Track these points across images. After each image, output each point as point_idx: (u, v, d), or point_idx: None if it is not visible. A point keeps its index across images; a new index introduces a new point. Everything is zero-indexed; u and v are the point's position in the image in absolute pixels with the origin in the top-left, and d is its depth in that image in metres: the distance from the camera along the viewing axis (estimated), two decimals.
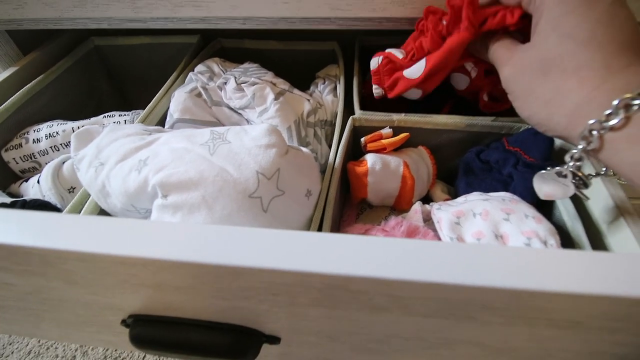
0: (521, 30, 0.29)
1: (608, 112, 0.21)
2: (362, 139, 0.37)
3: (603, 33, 0.23)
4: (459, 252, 0.17)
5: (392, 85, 0.37)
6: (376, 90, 0.38)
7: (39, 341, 0.76)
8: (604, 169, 0.27)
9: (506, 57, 0.28)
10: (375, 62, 0.37)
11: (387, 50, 0.37)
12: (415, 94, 0.37)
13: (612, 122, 0.21)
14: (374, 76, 0.38)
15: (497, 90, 0.36)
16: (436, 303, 0.19)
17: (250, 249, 0.18)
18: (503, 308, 0.18)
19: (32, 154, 0.42)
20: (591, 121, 0.21)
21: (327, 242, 0.18)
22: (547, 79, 0.24)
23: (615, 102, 0.21)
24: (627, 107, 0.20)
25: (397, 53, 0.36)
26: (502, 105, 0.38)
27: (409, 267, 0.17)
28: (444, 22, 0.32)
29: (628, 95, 0.20)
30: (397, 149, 0.38)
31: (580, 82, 0.23)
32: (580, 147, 0.23)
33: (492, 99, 0.38)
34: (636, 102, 0.20)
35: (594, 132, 0.21)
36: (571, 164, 0.25)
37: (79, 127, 0.43)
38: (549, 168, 0.27)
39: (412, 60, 0.35)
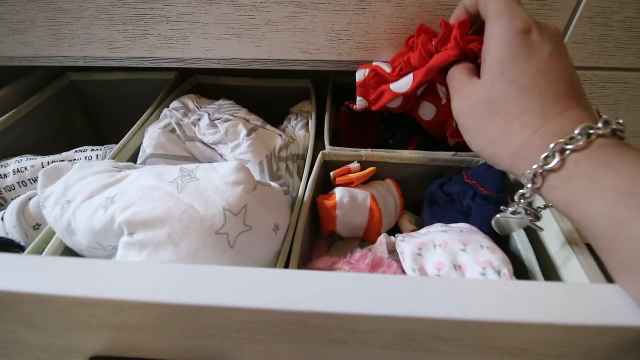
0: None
1: (545, 154, 0.23)
2: (332, 173, 0.38)
3: (542, 82, 0.25)
4: (409, 285, 0.19)
5: (376, 98, 0.38)
6: (360, 102, 0.39)
7: None
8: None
9: (459, 89, 0.30)
10: (361, 74, 0.38)
11: (374, 64, 0.38)
12: (396, 102, 0.38)
13: (550, 165, 0.23)
14: (360, 88, 0.38)
15: None
16: (392, 335, 0.20)
17: (209, 287, 0.19)
18: (454, 338, 0.19)
19: None
20: (534, 166, 0.23)
21: (283, 278, 0.19)
22: (494, 120, 0.26)
23: (551, 146, 0.23)
24: (562, 150, 0.22)
25: (384, 66, 0.38)
26: None
27: (361, 301, 0.18)
28: (433, 43, 0.33)
29: (561, 140, 0.23)
30: (365, 182, 0.40)
31: (522, 126, 0.25)
32: (529, 186, 0.24)
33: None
34: (568, 146, 0.22)
35: (537, 174, 0.23)
36: (522, 201, 0.27)
37: (48, 163, 0.43)
38: (502, 207, 0.29)
39: (399, 75, 0.36)
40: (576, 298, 0.19)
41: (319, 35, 0.39)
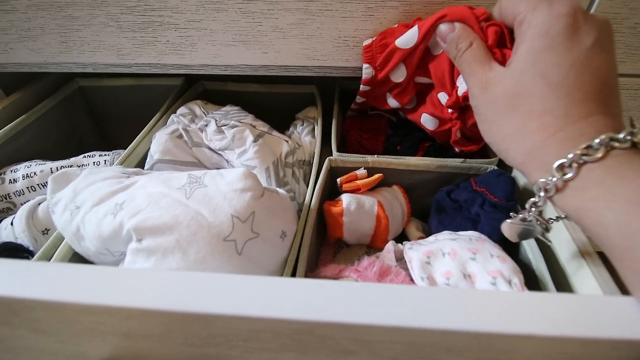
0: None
1: (561, 162, 0.22)
2: (338, 180, 0.38)
3: (573, 79, 0.23)
4: (419, 296, 0.18)
5: (383, 63, 0.37)
6: (366, 70, 0.38)
7: None
8: (564, 214, 0.28)
9: (479, 74, 0.27)
10: (368, 40, 0.37)
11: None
12: (400, 75, 0.38)
13: (567, 176, 0.22)
14: (366, 53, 0.37)
15: (469, 131, 0.38)
16: (402, 346, 0.19)
17: (216, 296, 0.19)
18: (465, 350, 0.19)
19: (8, 194, 0.42)
20: (553, 179, 0.22)
21: (292, 287, 0.19)
22: (514, 115, 0.25)
23: (570, 156, 0.22)
24: (579, 161, 0.21)
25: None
26: (472, 145, 0.39)
27: (370, 312, 0.17)
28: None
29: (579, 152, 0.21)
30: (372, 189, 0.39)
31: (541, 126, 0.24)
32: (541, 195, 0.23)
33: (464, 137, 0.39)
34: (585, 157, 0.21)
35: (551, 184, 0.22)
36: (533, 209, 0.26)
37: (57, 168, 0.43)
38: (512, 214, 0.28)
39: (406, 27, 0.35)
40: (591, 310, 0.19)
41: (326, 41, 0.39)
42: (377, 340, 0.19)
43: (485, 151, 0.43)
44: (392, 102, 0.41)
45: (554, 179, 0.22)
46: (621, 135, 0.21)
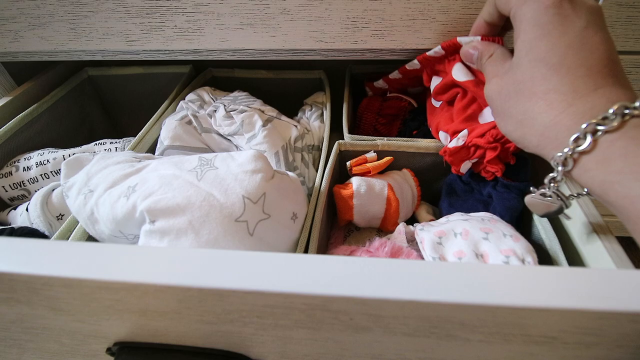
0: None
1: (575, 135, 0.22)
2: (348, 163, 0.38)
3: (572, 58, 0.24)
4: (434, 270, 0.18)
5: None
6: (437, 49, 0.36)
7: None
8: (585, 190, 0.27)
9: (493, 74, 0.29)
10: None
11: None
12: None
13: (582, 147, 0.22)
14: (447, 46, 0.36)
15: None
16: (416, 321, 0.19)
17: (232, 272, 0.19)
18: (480, 325, 0.19)
19: (22, 181, 0.42)
20: (565, 149, 0.22)
21: (306, 263, 0.19)
22: (519, 100, 0.26)
23: (583, 127, 0.22)
24: (594, 131, 0.21)
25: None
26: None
27: (384, 286, 0.17)
28: None
29: (593, 121, 0.21)
30: (382, 172, 0.39)
31: (548, 105, 0.24)
32: (559, 169, 0.23)
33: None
34: (600, 127, 0.21)
35: (568, 157, 0.23)
36: (552, 185, 0.26)
37: (69, 155, 0.43)
38: (532, 188, 0.28)
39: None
40: (608, 284, 0.18)
41: (334, 23, 0.38)
42: (391, 315, 0.19)
43: None
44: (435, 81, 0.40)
45: (567, 150, 0.22)
46: (637, 104, 0.21)
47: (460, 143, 0.34)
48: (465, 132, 0.34)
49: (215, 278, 0.19)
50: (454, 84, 0.35)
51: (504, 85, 0.27)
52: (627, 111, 0.21)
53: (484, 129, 0.33)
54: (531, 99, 0.25)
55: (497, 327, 0.19)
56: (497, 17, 0.30)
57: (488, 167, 0.34)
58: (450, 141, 0.35)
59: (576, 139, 0.22)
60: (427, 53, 0.37)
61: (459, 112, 0.35)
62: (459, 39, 0.33)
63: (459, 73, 0.34)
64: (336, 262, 0.19)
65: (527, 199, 0.29)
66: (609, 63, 0.24)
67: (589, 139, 0.21)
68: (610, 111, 0.21)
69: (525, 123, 0.25)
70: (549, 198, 0.27)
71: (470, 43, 0.32)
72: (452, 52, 0.35)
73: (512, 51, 0.29)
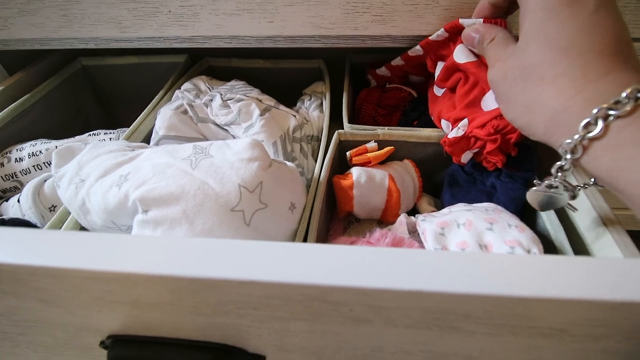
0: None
1: (586, 121, 0.21)
2: (348, 153, 0.37)
3: (583, 41, 0.23)
4: (438, 260, 0.17)
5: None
6: (440, 33, 0.36)
7: None
8: (592, 179, 0.27)
9: (495, 58, 0.28)
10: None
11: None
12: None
13: (593, 133, 0.21)
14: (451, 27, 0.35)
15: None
16: (418, 313, 0.19)
17: (226, 261, 0.18)
18: (485, 317, 0.18)
19: (14, 173, 0.41)
20: (576, 136, 0.22)
21: (303, 252, 0.18)
22: (527, 86, 0.25)
23: (594, 112, 0.21)
24: (606, 117, 0.21)
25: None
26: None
27: (386, 276, 0.16)
28: None
29: (605, 106, 0.21)
30: (382, 163, 0.38)
31: (557, 91, 0.23)
32: (568, 157, 0.23)
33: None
34: (612, 112, 0.20)
35: (577, 145, 0.22)
36: (559, 174, 0.25)
37: (61, 146, 0.42)
38: (537, 181, 0.27)
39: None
40: (621, 274, 0.18)
41: (334, 8, 0.37)
42: (392, 306, 0.18)
43: None
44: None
45: (577, 137, 0.21)
46: None
47: (460, 133, 0.33)
48: (465, 121, 0.33)
49: (208, 268, 0.18)
50: (457, 69, 0.34)
51: (508, 69, 0.26)
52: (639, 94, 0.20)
53: (485, 118, 0.32)
54: (539, 84, 0.24)
55: (503, 318, 0.18)
56: (501, 2, 0.29)
57: (489, 158, 0.33)
58: (451, 130, 0.34)
59: (587, 125, 0.21)
60: (430, 37, 0.36)
61: (461, 98, 0.34)
62: (461, 21, 0.32)
63: (460, 55, 0.33)
64: (336, 252, 0.18)
65: (530, 192, 0.28)
66: (621, 47, 0.23)
67: (600, 124, 0.20)
68: (623, 95, 0.20)
69: (532, 109, 0.24)
70: (555, 189, 0.26)
71: (472, 26, 0.31)
72: (456, 33, 0.34)
73: (516, 37, 0.28)
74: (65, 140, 0.44)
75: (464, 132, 0.33)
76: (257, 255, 0.18)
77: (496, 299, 0.17)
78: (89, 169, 0.29)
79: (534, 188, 0.27)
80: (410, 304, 0.18)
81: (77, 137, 0.44)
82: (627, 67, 0.22)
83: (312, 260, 0.18)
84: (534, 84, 0.24)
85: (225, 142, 0.29)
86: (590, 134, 0.21)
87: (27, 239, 0.20)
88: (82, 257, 0.19)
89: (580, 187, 0.26)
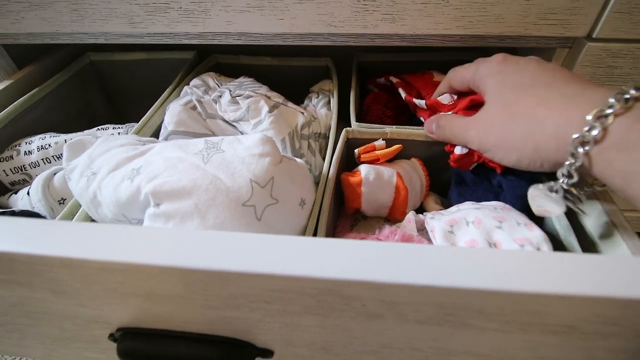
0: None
1: (586, 128, 0.22)
2: (356, 150, 0.37)
3: (543, 78, 0.26)
4: (452, 255, 0.17)
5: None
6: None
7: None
8: (597, 187, 0.27)
9: (464, 126, 0.31)
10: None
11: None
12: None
13: (592, 133, 0.21)
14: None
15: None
16: (431, 308, 0.19)
17: (240, 254, 0.18)
18: (497, 313, 0.18)
19: (23, 165, 0.42)
20: (574, 135, 0.22)
21: (318, 246, 0.18)
22: (517, 118, 0.26)
23: (588, 118, 0.22)
24: (601, 118, 0.21)
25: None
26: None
27: (402, 271, 0.17)
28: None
29: (596, 109, 0.21)
30: (390, 161, 0.38)
31: (547, 110, 0.24)
32: (567, 163, 0.23)
33: None
34: (608, 111, 0.21)
35: (579, 149, 0.22)
36: (563, 180, 0.25)
37: (71, 139, 0.43)
38: (541, 184, 0.27)
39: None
40: (632, 271, 0.18)
41: (344, 6, 0.37)
42: (406, 302, 0.18)
43: None
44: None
45: (576, 136, 0.22)
46: (632, 90, 0.21)
47: (465, 151, 0.35)
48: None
49: (222, 260, 0.18)
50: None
51: (493, 117, 0.28)
52: (627, 96, 0.21)
53: None
54: (528, 111, 0.26)
55: (515, 315, 0.18)
56: (456, 90, 0.35)
57: (491, 165, 0.34)
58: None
59: (587, 131, 0.22)
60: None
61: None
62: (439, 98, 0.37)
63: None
64: (350, 246, 0.18)
65: (532, 188, 0.28)
66: (573, 77, 0.26)
67: (597, 126, 0.21)
68: (611, 100, 0.21)
69: (533, 134, 0.25)
70: (555, 193, 0.26)
71: (429, 123, 0.36)
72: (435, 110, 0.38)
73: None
74: (74, 134, 0.44)
75: (467, 150, 0.34)
76: (271, 249, 0.18)
77: (511, 295, 0.17)
78: (101, 162, 0.29)
79: (534, 185, 0.27)
80: (424, 299, 0.18)
81: (86, 132, 0.44)
82: (593, 85, 0.24)
83: (326, 254, 0.18)
84: (523, 113, 0.26)
85: (236, 138, 0.29)
86: (590, 135, 0.21)
87: (42, 229, 0.20)
88: (97, 248, 0.19)
89: (587, 189, 0.26)
